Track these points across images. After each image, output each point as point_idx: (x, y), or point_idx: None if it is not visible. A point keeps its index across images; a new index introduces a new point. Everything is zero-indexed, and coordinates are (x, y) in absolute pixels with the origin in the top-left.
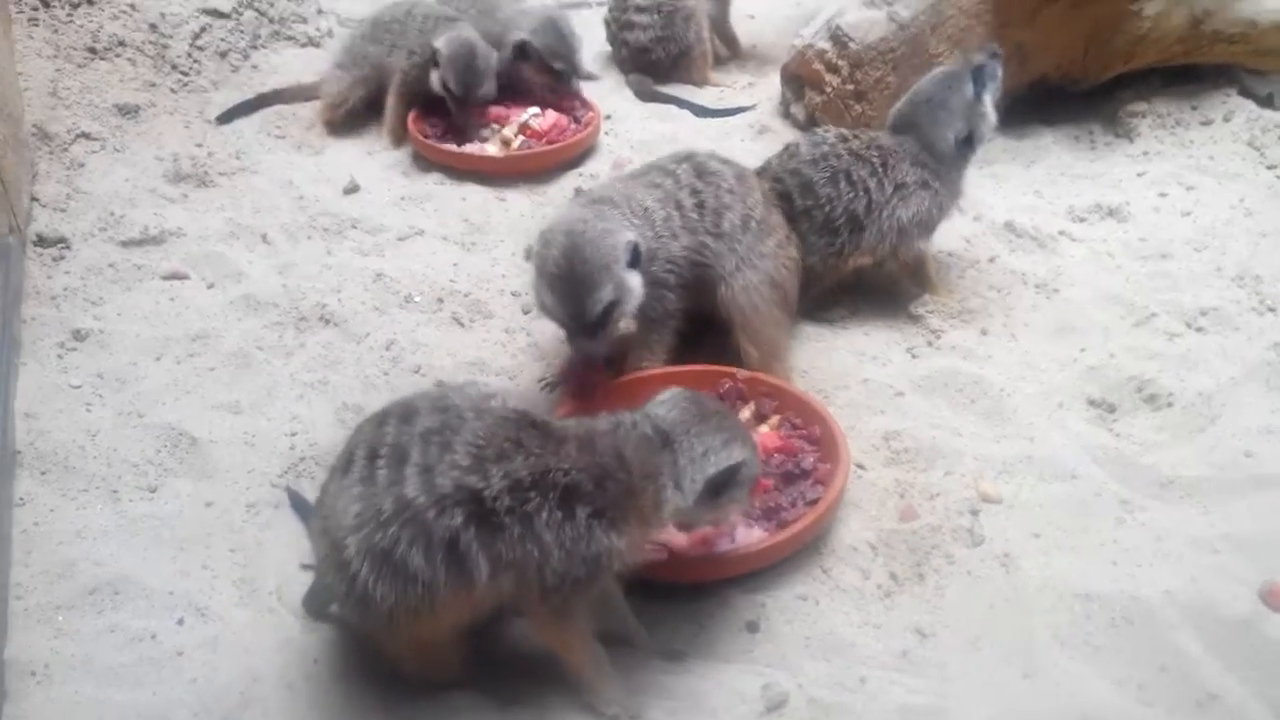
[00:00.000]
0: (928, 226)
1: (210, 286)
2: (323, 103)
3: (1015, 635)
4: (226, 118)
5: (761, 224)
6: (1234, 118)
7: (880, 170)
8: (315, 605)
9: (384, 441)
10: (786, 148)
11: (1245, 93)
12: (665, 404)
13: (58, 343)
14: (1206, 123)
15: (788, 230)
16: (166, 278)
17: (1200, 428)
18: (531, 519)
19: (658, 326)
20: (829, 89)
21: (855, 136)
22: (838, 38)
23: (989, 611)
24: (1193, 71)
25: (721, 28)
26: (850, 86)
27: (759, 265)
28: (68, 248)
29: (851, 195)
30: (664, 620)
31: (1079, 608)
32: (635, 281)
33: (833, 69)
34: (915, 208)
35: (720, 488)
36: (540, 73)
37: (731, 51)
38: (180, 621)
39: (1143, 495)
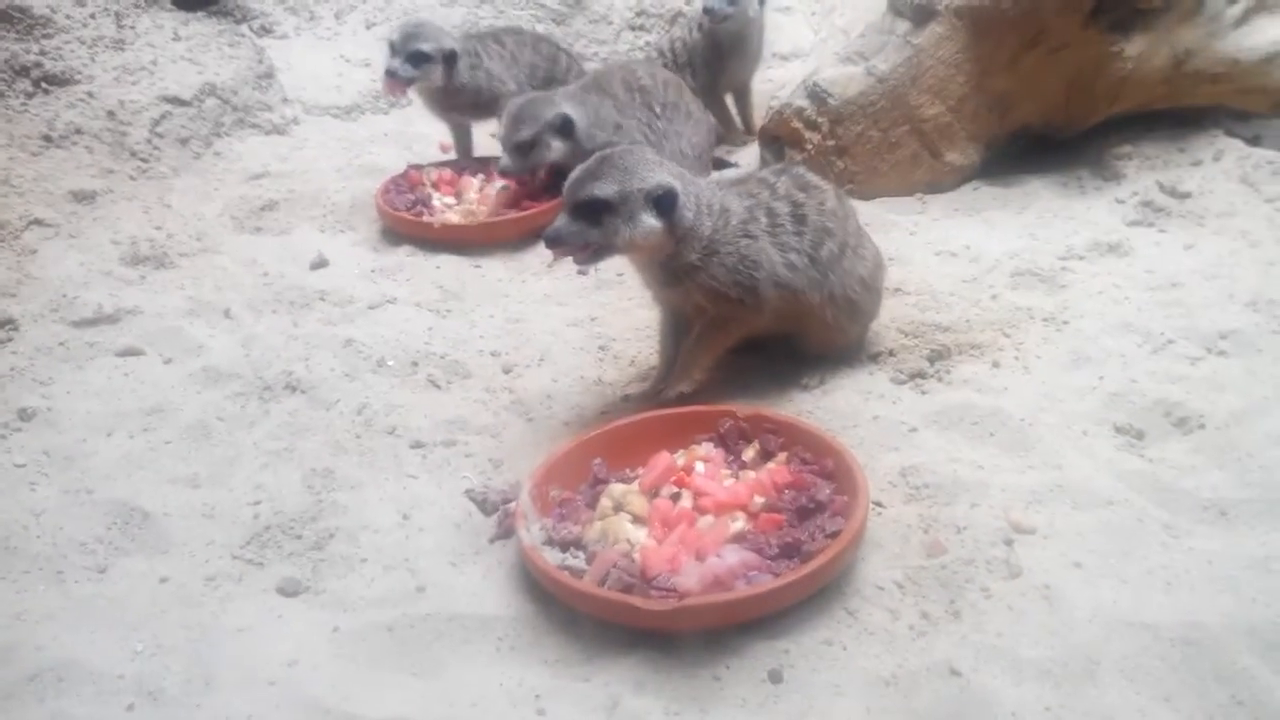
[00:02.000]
0: None
1: (167, 362)
2: None
3: (1069, 670)
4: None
5: (856, 250)
6: (1224, 157)
7: None
8: None
9: None
10: None
11: (1231, 134)
12: None
13: (1, 423)
14: (1196, 163)
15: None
16: (120, 354)
17: (1236, 448)
18: None
19: (714, 336)
20: (810, 146)
21: None
22: (816, 95)
23: (1036, 646)
24: (1176, 116)
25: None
26: (831, 143)
27: (846, 293)
28: (15, 329)
29: None
30: (674, 673)
31: (1135, 638)
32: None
33: (812, 126)
34: None
35: None
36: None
37: (746, 128)
38: (130, 708)
39: (1186, 519)
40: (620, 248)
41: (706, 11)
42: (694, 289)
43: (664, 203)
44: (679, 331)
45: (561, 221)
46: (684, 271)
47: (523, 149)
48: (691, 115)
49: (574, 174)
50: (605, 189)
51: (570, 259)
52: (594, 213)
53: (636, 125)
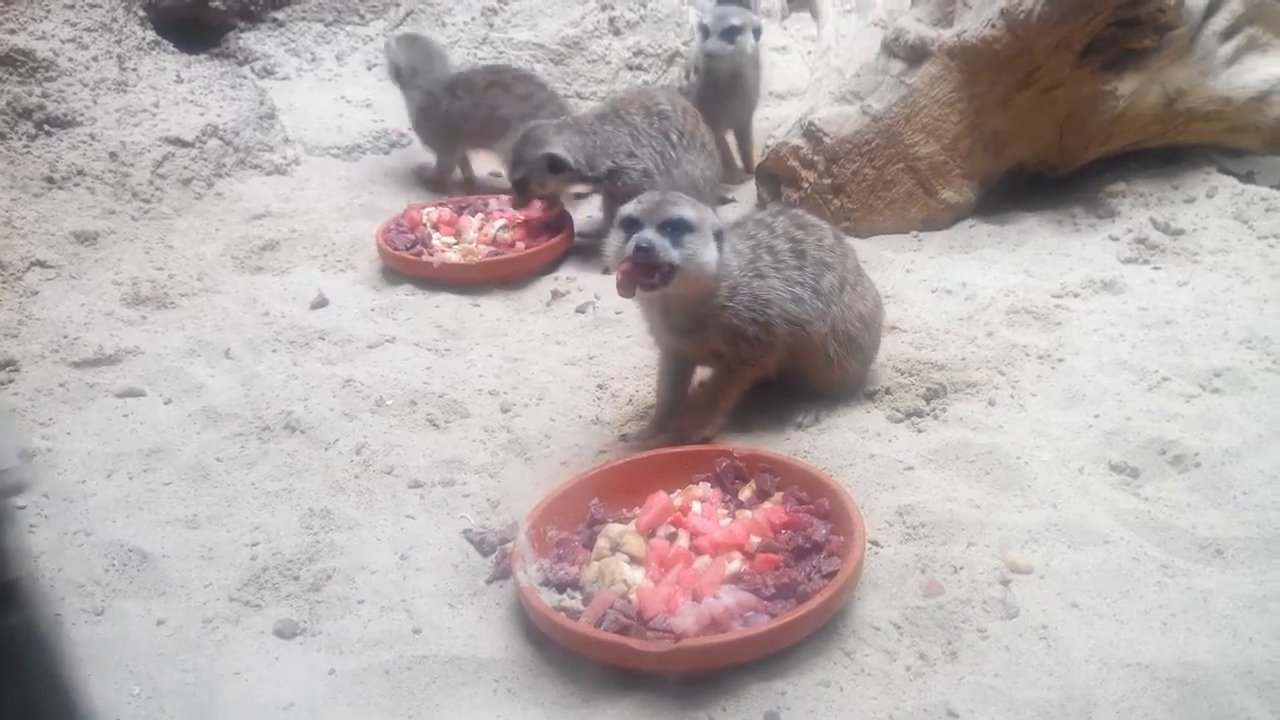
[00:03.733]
0: None
1: (167, 402)
2: None
3: (1067, 711)
4: None
5: (854, 286)
6: (1217, 194)
7: None
8: None
9: None
10: None
11: (1225, 171)
12: None
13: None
14: (1190, 200)
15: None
16: (120, 395)
17: (1232, 486)
18: None
19: (733, 379)
20: (806, 184)
21: None
22: (812, 133)
23: (1034, 687)
24: (1170, 154)
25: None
26: (828, 181)
27: (847, 328)
28: (16, 370)
29: None
30: (671, 715)
31: (1132, 678)
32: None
33: (809, 165)
34: None
35: None
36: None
37: (746, 166)
38: None
39: (1182, 558)
40: (691, 272)
41: (709, 55)
42: (715, 331)
43: (720, 238)
44: (678, 374)
45: (652, 234)
46: (711, 313)
47: (520, 187)
48: (705, 147)
49: (646, 201)
50: (689, 212)
51: (575, 305)
52: (677, 232)
53: (650, 154)
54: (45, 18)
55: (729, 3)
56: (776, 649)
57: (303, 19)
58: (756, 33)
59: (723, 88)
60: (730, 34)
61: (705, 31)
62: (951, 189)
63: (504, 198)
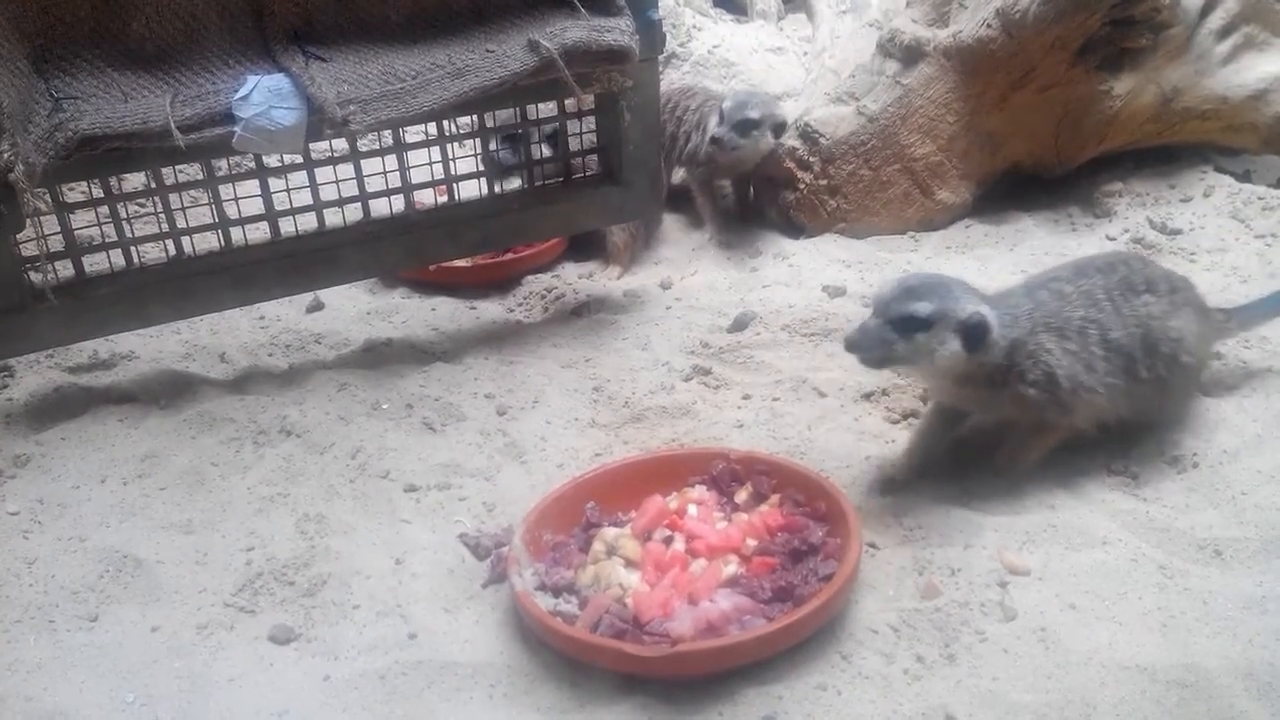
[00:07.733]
0: None
1: (163, 407)
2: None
3: (1065, 714)
4: None
5: None
6: (1214, 193)
7: None
8: None
9: None
10: None
11: (1221, 170)
12: None
13: None
14: (1186, 200)
15: None
16: (115, 400)
17: (1230, 487)
18: None
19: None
20: (802, 186)
21: None
22: (808, 135)
23: (1032, 690)
24: (1166, 153)
25: None
26: (824, 182)
27: None
28: (11, 376)
29: None
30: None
31: (1131, 681)
32: None
33: (805, 166)
34: None
35: None
36: None
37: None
38: None
39: (1182, 559)
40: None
41: (714, 141)
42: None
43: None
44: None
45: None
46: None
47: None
48: None
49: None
50: (921, 306)
51: (570, 307)
52: (908, 329)
53: None
54: None
55: (754, 91)
56: (773, 653)
57: None
58: (777, 130)
59: (724, 172)
60: (744, 127)
61: (720, 116)
62: (948, 189)
63: None
